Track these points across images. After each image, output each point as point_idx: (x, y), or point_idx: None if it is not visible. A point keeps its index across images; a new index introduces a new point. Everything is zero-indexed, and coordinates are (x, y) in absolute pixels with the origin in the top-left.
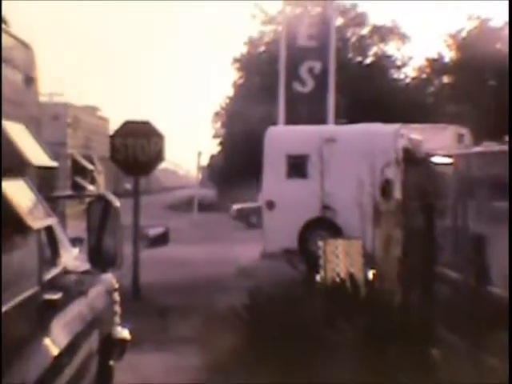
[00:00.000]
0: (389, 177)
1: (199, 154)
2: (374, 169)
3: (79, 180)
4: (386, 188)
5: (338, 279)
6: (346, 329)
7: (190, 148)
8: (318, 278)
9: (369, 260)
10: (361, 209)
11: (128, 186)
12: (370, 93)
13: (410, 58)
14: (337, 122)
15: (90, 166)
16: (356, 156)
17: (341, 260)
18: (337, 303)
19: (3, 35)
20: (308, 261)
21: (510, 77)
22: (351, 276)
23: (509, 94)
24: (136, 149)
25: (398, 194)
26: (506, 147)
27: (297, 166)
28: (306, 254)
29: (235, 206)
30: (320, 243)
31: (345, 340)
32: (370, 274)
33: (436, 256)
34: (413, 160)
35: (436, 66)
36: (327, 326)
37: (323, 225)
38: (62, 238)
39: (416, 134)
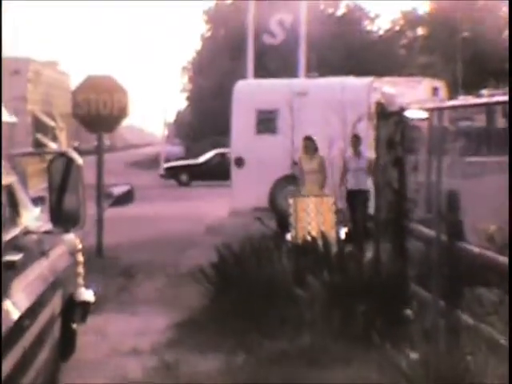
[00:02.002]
0: (310, 133)
1: (165, 109)
2: (345, 123)
3: (40, 137)
4: (308, 145)
5: (309, 238)
6: (316, 286)
7: (156, 104)
8: (288, 236)
9: (341, 217)
10: (331, 165)
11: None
12: (342, 45)
13: (384, 10)
14: (308, 76)
15: (51, 123)
16: (328, 110)
17: (312, 218)
18: (308, 261)
19: None
20: (278, 219)
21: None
22: (323, 234)
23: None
24: (98, 104)
25: (322, 151)
26: (481, 100)
27: (266, 121)
28: (276, 211)
29: (165, 165)
30: (291, 201)
31: (315, 297)
32: (343, 232)
33: (408, 212)
34: (386, 114)
35: (410, 17)
36: (297, 284)
37: (294, 182)
38: (23, 196)
39: (389, 87)
